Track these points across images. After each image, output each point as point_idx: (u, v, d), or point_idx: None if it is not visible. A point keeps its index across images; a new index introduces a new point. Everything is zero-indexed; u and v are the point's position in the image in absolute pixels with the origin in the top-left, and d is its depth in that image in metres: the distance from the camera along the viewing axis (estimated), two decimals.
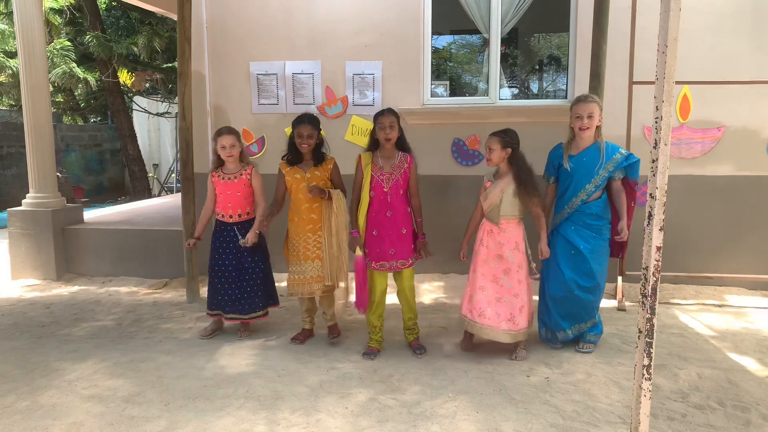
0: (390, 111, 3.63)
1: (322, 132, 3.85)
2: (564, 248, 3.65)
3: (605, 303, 4.45)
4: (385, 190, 3.59)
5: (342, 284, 3.85)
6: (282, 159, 3.90)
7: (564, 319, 3.67)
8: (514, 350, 3.64)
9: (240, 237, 3.94)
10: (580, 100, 3.64)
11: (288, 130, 5.49)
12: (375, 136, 3.65)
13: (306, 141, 3.73)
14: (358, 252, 3.64)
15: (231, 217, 3.99)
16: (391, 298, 3.86)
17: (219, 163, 4.03)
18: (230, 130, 3.99)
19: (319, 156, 3.82)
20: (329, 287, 3.82)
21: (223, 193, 3.99)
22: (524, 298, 3.55)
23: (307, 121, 3.76)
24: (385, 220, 3.61)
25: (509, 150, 3.53)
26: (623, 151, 3.63)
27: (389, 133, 3.56)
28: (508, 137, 3.53)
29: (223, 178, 3.99)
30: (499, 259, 3.55)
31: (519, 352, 3.61)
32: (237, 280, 3.98)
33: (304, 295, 3.88)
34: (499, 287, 3.54)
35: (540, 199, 3.59)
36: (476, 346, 3.76)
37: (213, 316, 4.10)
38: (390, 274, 3.74)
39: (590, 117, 3.57)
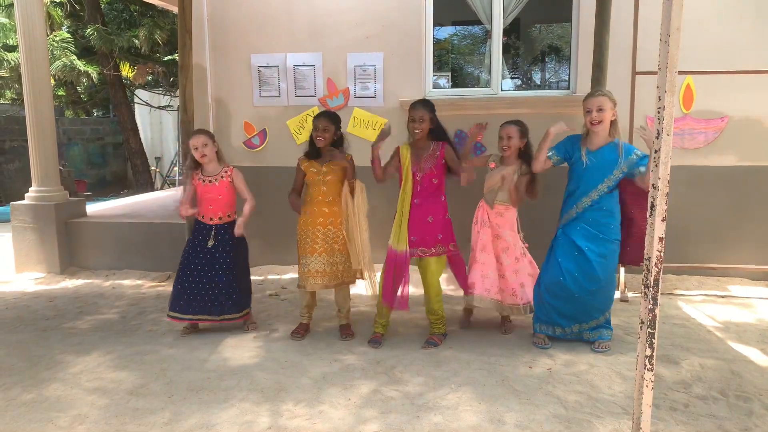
0: (423, 103, 3.62)
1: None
2: (567, 247, 3.55)
3: None
4: (417, 179, 3.61)
5: (368, 276, 3.81)
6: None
7: (561, 317, 3.62)
8: (503, 325, 3.93)
9: (211, 239, 3.89)
10: (589, 95, 3.54)
11: (290, 123, 5.53)
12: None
13: (321, 134, 3.70)
14: (398, 247, 3.62)
15: (212, 219, 3.93)
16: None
17: (196, 165, 3.91)
18: (201, 131, 3.93)
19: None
20: (341, 282, 3.79)
21: (204, 196, 3.91)
22: (524, 275, 3.82)
23: (324, 115, 3.79)
24: (411, 207, 3.62)
25: (524, 141, 3.72)
26: (638, 152, 3.47)
27: (418, 126, 3.57)
28: (525, 127, 3.73)
29: (204, 181, 3.90)
30: (498, 238, 3.81)
31: (507, 325, 3.92)
32: (211, 280, 3.88)
33: (312, 288, 3.80)
34: (500, 265, 3.80)
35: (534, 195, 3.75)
36: (473, 325, 4.03)
37: (173, 319, 3.93)
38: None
39: (600, 110, 3.43)
